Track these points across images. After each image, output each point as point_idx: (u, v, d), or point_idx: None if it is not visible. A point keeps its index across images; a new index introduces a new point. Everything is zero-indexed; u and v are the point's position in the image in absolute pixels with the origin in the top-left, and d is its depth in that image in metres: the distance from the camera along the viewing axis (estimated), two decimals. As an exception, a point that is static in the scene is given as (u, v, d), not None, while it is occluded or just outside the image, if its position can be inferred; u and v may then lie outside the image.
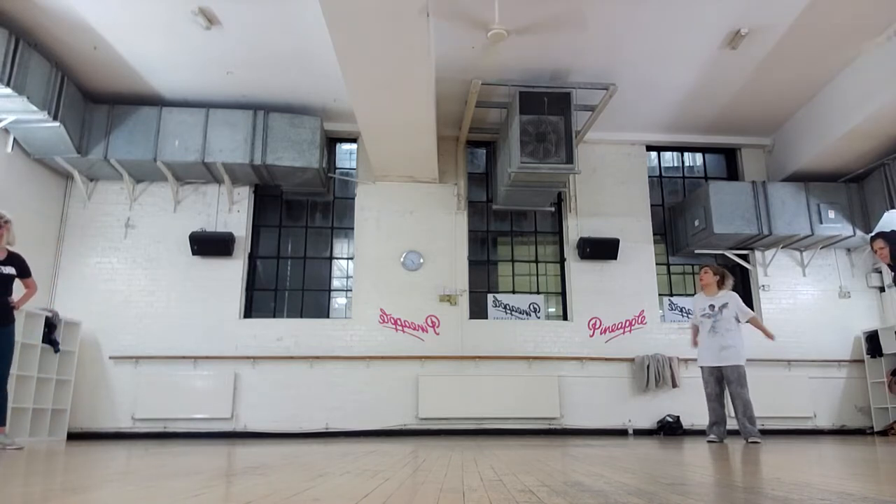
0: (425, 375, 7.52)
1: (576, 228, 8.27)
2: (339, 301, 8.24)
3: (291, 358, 7.53)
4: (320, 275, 8.26)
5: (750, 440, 5.16)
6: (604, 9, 5.97)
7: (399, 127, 6.88)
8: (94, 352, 7.39)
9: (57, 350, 6.73)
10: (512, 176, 7.00)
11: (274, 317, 7.98)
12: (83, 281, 7.57)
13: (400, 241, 8.05)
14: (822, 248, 8.24)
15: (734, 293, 5.66)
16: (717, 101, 7.76)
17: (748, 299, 8.30)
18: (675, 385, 7.63)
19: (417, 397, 7.43)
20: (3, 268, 4.78)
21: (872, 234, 5.77)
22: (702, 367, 5.63)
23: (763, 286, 8.27)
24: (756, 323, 5.64)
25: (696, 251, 8.24)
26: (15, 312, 4.92)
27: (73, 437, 6.97)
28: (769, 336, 5.58)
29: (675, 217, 8.58)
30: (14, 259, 4.91)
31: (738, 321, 5.53)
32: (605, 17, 6.09)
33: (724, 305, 5.54)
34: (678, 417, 7.51)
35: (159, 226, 7.87)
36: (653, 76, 7.16)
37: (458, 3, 5.77)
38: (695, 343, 5.76)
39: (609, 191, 8.46)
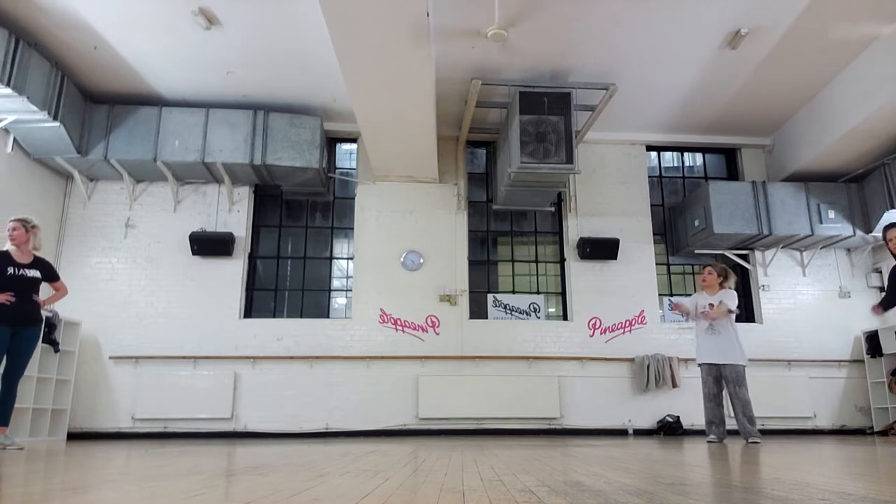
0: (425, 375, 7.52)
1: (576, 228, 8.27)
2: (339, 301, 8.24)
3: (291, 358, 7.53)
4: (320, 275, 8.26)
5: (750, 440, 5.15)
6: (604, 9, 5.97)
7: (399, 127, 6.88)
8: (94, 352, 7.40)
9: (57, 350, 6.73)
10: (512, 176, 7.00)
11: (274, 317, 7.98)
12: (83, 281, 7.56)
13: (400, 241, 8.05)
14: (822, 248, 8.24)
15: (731, 291, 5.62)
16: (717, 101, 7.75)
17: (748, 299, 8.31)
18: (675, 385, 7.63)
19: (417, 397, 7.43)
20: (28, 271, 4.89)
21: (886, 223, 5.43)
22: (700, 366, 5.62)
23: (763, 286, 8.27)
24: (722, 312, 5.43)
25: (696, 251, 8.24)
26: (43, 312, 5.07)
27: (73, 437, 6.97)
28: (721, 315, 5.43)
29: (675, 217, 8.58)
30: (40, 263, 5.03)
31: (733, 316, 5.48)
32: (605, 17, 6.09)
33: (722, 304, 5.53)
34: (678, 417, 7.51)
35: (159, 226, 7.87)
36: (653, 76, 7.16)
37: (459, 3, 5.77)
38: (694, 315, 5.66)
39: (609, 191, 8.46)
